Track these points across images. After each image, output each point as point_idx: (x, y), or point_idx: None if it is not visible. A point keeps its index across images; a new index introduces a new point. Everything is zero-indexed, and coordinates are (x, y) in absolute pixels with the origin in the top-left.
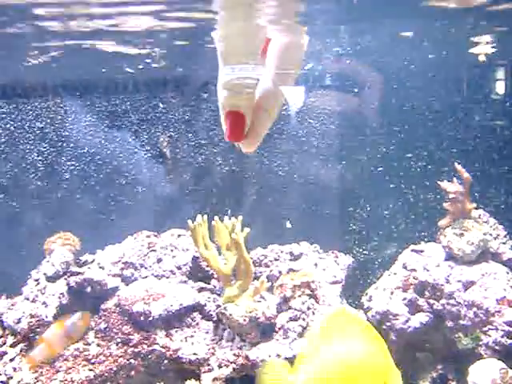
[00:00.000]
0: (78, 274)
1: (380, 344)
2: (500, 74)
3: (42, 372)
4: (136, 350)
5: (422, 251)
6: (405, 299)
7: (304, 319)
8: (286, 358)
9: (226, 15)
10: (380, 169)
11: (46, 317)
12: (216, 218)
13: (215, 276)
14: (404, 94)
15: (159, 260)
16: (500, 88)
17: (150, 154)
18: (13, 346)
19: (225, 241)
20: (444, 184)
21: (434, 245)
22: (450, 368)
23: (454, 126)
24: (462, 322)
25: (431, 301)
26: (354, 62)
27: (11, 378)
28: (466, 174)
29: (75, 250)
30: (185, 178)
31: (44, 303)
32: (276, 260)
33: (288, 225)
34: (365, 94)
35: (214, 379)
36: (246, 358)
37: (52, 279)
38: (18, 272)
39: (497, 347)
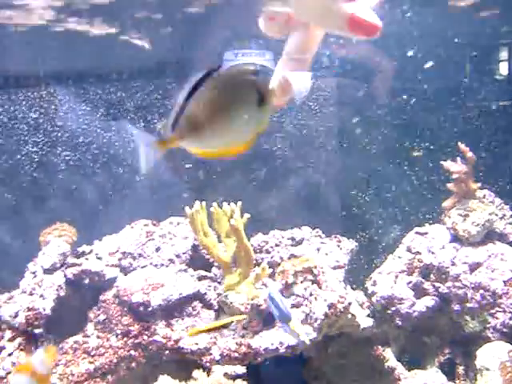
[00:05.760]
0: (76, 265)
1: None
2: (504, 53)
3: None
4: (136, 341)
5: (426, 233)
6: (410, 283)
7: (307, 305)
8: (290, 346)
9: None
10: (382, 151)
11: (44, 310)
12: (214, 204)
13: (216, 264)
14: (406, 74)
15: (158, 249)
16: (504, 68)
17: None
18: (11, 340)
19: (224, 228)
20: (447, 164)
21: (439, 226)
22: (457, 352)
23: (457, 105)
24: (468, 304)
25: (437, 284)
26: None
27: (10, 372)
28: (469, 154)
29: (72, 240)
30: (183, 164)
31: (41, 296)
32: (277, 246)
33: None
34: (366, 77)
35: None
36: (249, 346)
37: (49, 271)
38: (15, 265)
39: (505, 329)
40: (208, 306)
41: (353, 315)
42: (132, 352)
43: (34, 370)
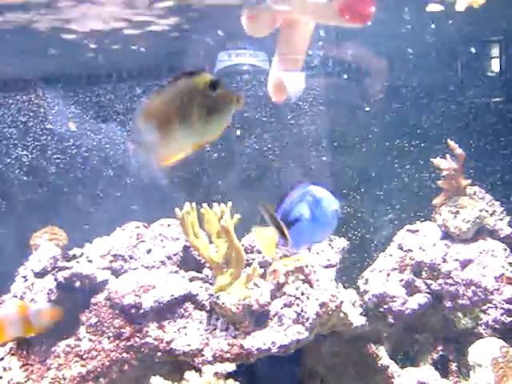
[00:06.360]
0: (66, 268)
1: None
2: (495, 49)
3: (32, 370)
4: (128, 343)
5: (417, 231)
6: (402, 280)
7: (298, 305)
8: (282, 346)
9: None
10: (373, 149)
11: None
12: (205, 205)
13: (207, 265)
14: (395, 70)
15: (149, 251)
16: (495, 64)
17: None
18: (2, 345)
19: (215, 228)
20: (437, 161)
21: (430, 224)
22: (450, 348)
23: (447, 102)
24: (460, 301)
25: (429, 281)
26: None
27: (1, 377)
28: (459, 150)
29: (63, 244)
30: (173, 165)
31: (32, 300)
32: None
33: None
34: (356, 74)
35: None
36: (241, 347)
37: (40, 275)
38: (5, 269)
39: (497, 326)
40: (200, 306)
41: (345, 314)
42: (124, 354)
43: (26, 313)
